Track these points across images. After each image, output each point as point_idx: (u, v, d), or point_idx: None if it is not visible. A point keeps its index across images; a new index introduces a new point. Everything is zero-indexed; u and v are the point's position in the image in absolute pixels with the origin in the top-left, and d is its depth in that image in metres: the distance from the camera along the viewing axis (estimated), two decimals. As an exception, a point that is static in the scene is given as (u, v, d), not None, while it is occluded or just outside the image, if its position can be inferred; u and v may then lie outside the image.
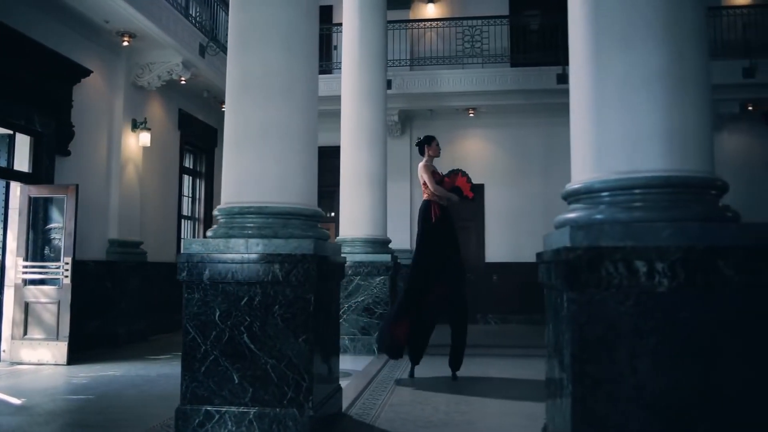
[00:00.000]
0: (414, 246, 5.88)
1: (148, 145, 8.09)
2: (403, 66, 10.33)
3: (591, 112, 2.65)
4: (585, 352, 2.38)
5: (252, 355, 3.47)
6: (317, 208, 3.88)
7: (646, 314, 2.35)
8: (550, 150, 10.69)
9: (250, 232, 3.61)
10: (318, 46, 4.12)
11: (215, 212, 3.84)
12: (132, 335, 7.87)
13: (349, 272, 7.00)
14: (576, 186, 2.69)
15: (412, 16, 11.14)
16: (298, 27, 3.83)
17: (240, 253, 3.51)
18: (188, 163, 10.48)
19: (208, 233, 3.74)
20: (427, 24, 10.62)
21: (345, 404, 4.36)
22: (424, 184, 5.64)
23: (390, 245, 10.46)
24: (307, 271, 3.46)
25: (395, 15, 10.90)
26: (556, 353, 2.61)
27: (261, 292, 3.50)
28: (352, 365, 6.14)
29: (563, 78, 9.58)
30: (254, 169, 3.70)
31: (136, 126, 7.98)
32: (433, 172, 5.69)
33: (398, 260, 7.91)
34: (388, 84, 9.82)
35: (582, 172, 2.70)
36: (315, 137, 3.98)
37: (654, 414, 2.32)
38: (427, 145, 5.85)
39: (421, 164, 5.76)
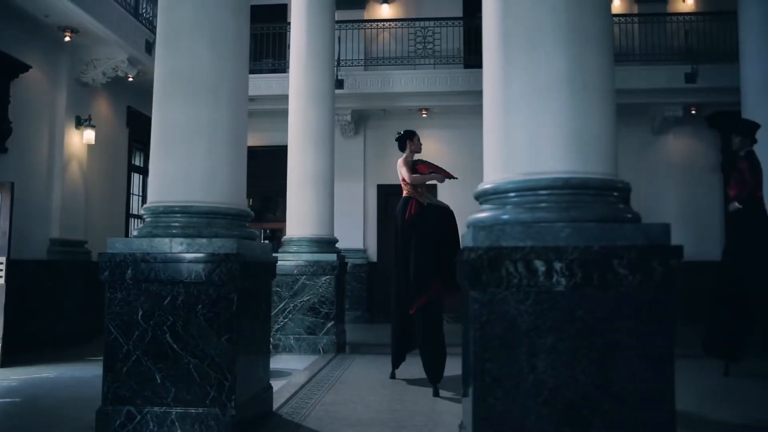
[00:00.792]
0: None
1: (93, 142, 7.94)
2: (356, 66, 10.34)
3: (499, 114, 2.71)
4: (486, 350, 2.44)
5: (175, 355, 3.45)
6: (245, 208, 3.86)
7: (544, 313, 2.41)
8: (501, 151, 10.81)
9: (174, 231, 3.58)
10: (248, 45, 4.10)
11: (141, 211, 3.80)
12: (75, 336, 7.72)
13: (295, 272, 7.00)
14: (485, 186, 2.74)
15: (366, 17, 11.16)
16: (227, 27, 3.82)
17: (163, 252, 3.48)
18: (138, 161, 10.31)
19: (133, 232, 3.70)
20: (382, 24, 10.64)
21: (278, 403, 4.36)
22: (403, 179, 5.20)
23: (344, 245, 10.52)
24: (230, 271, 3.45)
25: (349, 15, 10.92)
26: (465, 352, 2.66)
27: (184, 291, 3.48)
28: (295, 364, 6.13)
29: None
30: (180, 168, 3.67)
31: (80, 123, 7.83)
32: (411, 166, 5.27)
33: (346, 260, 7.91)
34: (340, 84, 9.85)
35: (491, 173, 2.76)
36: (243, 137, 3.96)
37: (552, 409, 2.39)
38: (408, 140, 5.41)
39: (399, 160, 5.34)
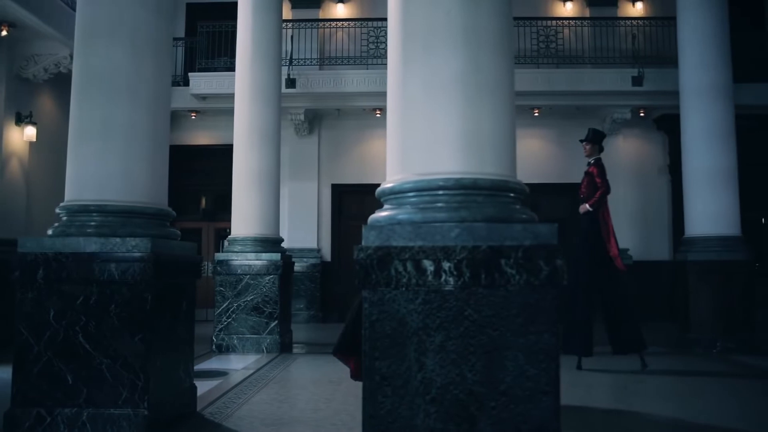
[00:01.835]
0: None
1: (35, 139, 7.80)
2: (310, 65, 10.32)
3: (398, 114, 2.73)
4: (376, 349, 2.46)
5: (87, 356, 3.41)
6: (164, 207, 3.83)
7: (433, 312, 2.44)
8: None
9: (89, 230, 3.54)
10: (170, 45, 4.05)
11: (57, 210, 3.75)
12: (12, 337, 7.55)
13: (239, 271, 6.97)
14: (385, 186, 2.76)
15: (322, 16, 11.15)
16: (147, 26, 3.78)
17: (76, 251, 3.44)
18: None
19: (49, 231, 3.65)
20: (336, 24, 10.64)
21: (205, 403, 4.34)
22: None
23: (298, 245, 10.51)
24: (143, 270, 3.42)
25: (304, 14, 10.91)
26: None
27: (97, 291, 3.44)
28: (235, 364, 6.11)
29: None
30: (96, 167, 3.63)
31: (20, 120, 7.68)
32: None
33: (293, 259, 7.90)
34: (293, 83, 9.82)
35: (392, 173, 2.78)
36: (164, 136, 3.93)
37: (439, 407, 2.42)
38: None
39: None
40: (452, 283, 2.42)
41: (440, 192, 2.57)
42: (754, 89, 10.52)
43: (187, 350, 4.09)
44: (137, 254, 3.43)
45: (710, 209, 7.25)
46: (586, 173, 5.95)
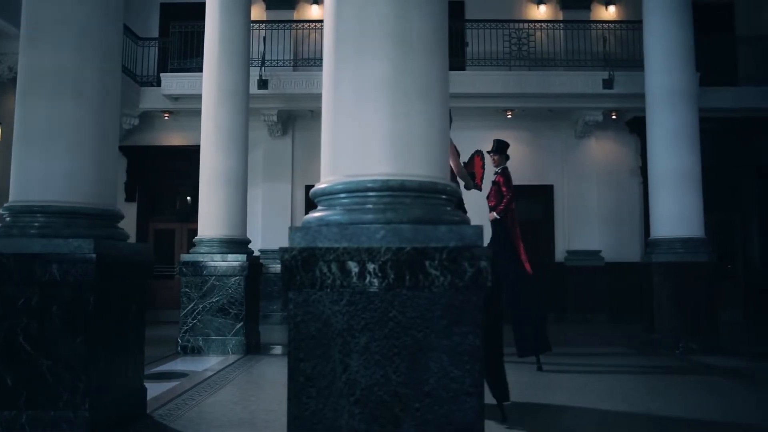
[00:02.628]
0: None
1: (0, 139, 7.73)
2: (284, 66, 10.30)
3: (331, 117, 2.73)
4: (300, 350, 2.46)
5: (28, 358, 3.38)
6: (110, 207, 3.81)
7: (358, 313, 2.44)
8: (429, 153, 10.94)
9: (32, 231, 3.52)
10: (119, 44, 4.04)
11: (0, 210, 3.72)
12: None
13: (204, 272, 6.94)
14: (317, 188, 2.76)
15: (296, 17, 11.14)
16: (93, 26, 3.76)
17: (18, 253, 3.42)
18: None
19: (-8, 232, 3.62)
20: (310, 25, 10.63)
21: (157, 405, 4.34)
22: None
23: (271, 246, 10.47)
24: (85, 271, 3.41)
25: (279, 15, 10.90)
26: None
27: (39, 292, 3.42)
28: (198, 365, 6.08)
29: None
30: (40, 167, 3.61)
31: (-14, 119, 7.61)
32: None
33: (260, 260, 7.89)
34: (265, 84, 9.81)
35: (325, 174, 2.78)
36: (112, 137, 3.90)
37: (363, 408, 2.42)
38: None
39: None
40: (377, 284, 2.43)
41: (369, 194, 2.57)
42: (726, 93, 10.66)
43: (137, 352, 4.06)
44: (80, 255, 3.41)
45: (674, 211, 7.32)
46: (493, 182, 6.13)
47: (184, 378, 5.46)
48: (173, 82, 9.89)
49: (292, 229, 2.53)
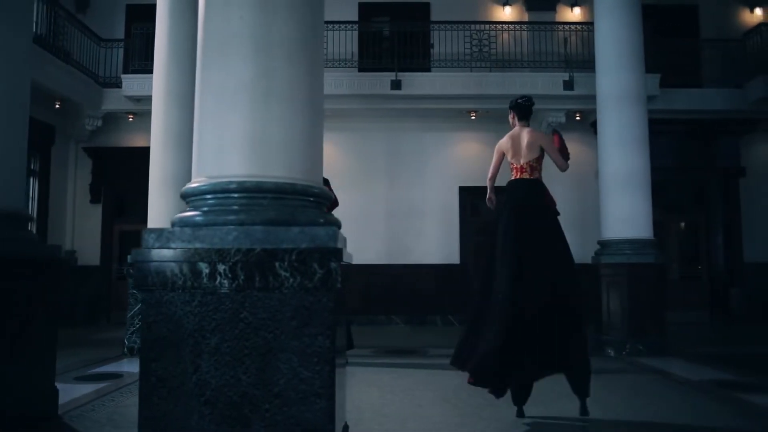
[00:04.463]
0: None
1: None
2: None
3: (199, 118, 2.74)
4: (152, 350, 2.46)
5: None
6: (8, 207, 3.80)
7: (209, 314, 2.45)
8: (393, 154, 10.96)
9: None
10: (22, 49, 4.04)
11: None
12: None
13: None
14: (186, 188, 2.77)
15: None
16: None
17: None
18: (32, 165, 10.11)
19: None
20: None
21: (72, 406, 4.35)
22: (536, 158, 4.35)
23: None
24: (-22, 273, 3.42)
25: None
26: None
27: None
28: (137, 367, 6.07)
29: (397, 84, 9.86)
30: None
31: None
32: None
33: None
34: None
35: (194, 175, 2.79)
36: (20, 136, 3.91)
37: (213, 409, 2.42)
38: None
39: (533, 132, 4.47)
40: (227, 285, 2.44)
41: (228, 195, 2.58)
42: (690, 95, 10.70)
43: (45, 354, 4.06)
44: (-27, 257, 3.42)
45: (623, 212, 7.35)
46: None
47: (117, 379, 5.47)
48: (134, 84, 9.89)
49: (146, 231, 2.54)
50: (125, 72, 10.34)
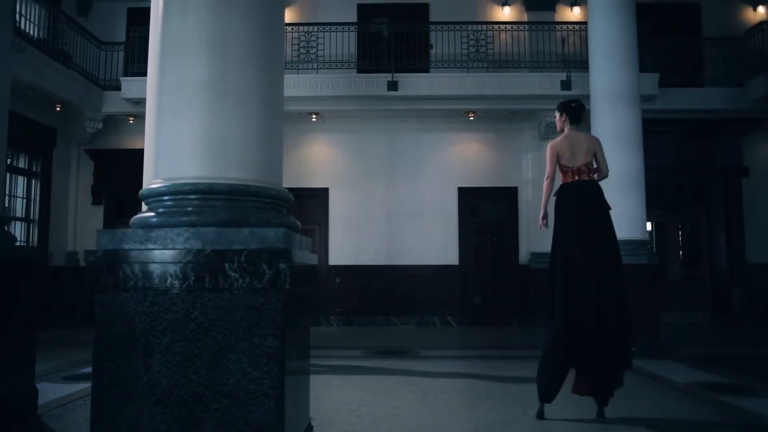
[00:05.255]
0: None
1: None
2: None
3: (154, 120, 2.77)
4: (105, 350, 2.49)
5: None
6: (-11, 211, 3.87)
7: (161, 314, 2.47)
8: (392, 155, 10.96)
9: None
10: None
11: None
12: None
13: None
14: (144, 190, 2.80)
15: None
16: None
17: None
18: (22, 163, 10.21)
19: None
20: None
21: (54, 405, 4.41)
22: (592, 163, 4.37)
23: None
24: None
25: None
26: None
27: None
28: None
29: (393, 85, 9.86)
30: None
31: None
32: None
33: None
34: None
35: (153, 177, 2.82)
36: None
37: (164, 408, 2.45)
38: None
39: (587, 137, 4.41)
40: (178, 286, 2.46)
41: (182, 196, 2.61)
42: (692, 94, 10.60)
43: (23, 354, 4.10)
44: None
45: (617, 213, 7.24)
46: None
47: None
48: (133, 86, 9.96)
49: (100, 232, 2.57)
50: (125, 75, 10.42)
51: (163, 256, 2.46)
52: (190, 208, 2.60)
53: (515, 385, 5.24)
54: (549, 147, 4.38)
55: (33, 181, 10.42)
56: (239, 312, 2.47)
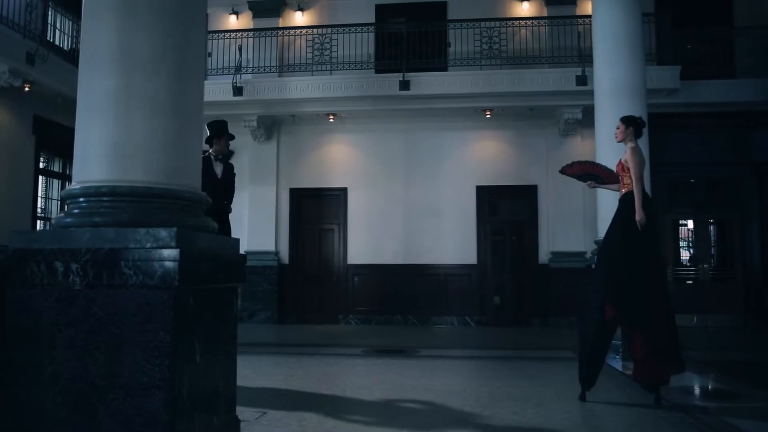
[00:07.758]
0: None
1: None
2: (260, 73, 10.59)
3: (76, 126, 2.94)
4: (13, 343, 2.67)
5: None
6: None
7: (64, 309, 2.63)
8: (410, 154, 11.00)
9: None
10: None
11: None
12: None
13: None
14: (63, 192, 2.98)
15: (282, 24, 11.42)
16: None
17: None
18: (57, 167, 10.77)
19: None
20: (282, 32, 10.91)
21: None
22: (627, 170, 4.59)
23: (256, 248, 10.79)
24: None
25: (265, 23, 11.21)
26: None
27: None
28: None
29: (406, 84, 9.90)
30: None
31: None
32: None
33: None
34: (239, 91, 10.14)
35: (72, 179, 2.99)
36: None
37: (66, 398, 2.60)
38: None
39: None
40: (79, 282, 2.61)
41: (91, 198, 2.77)
42: (722, 86, 10.21)
43: None
44: None
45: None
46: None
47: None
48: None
49: (15, 232, 2.75)
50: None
51: (65, 254, 2.62)
52: (102, 209, 2.75)
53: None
54: (640, 151, 4.64)
55: (67, 184, 10.95)
56: (134, 308, 2.60)
